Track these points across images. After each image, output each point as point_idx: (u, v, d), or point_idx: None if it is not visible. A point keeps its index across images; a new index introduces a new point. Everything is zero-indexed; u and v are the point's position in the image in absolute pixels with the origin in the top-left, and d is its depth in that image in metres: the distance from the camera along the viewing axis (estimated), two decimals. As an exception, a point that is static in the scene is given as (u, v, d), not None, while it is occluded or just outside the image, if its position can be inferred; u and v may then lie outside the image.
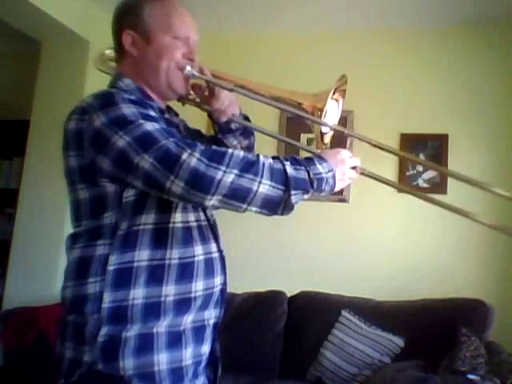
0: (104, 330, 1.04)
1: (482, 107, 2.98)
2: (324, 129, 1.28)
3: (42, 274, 3.01)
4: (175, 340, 1.09)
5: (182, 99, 1.34)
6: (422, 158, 3.00)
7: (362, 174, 1.20)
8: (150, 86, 1.22)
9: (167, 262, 1.08)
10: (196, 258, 1.13)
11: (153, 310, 1.06)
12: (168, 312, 1.08)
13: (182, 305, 1.10)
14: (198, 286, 1.12)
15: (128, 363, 1.03)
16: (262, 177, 1.00)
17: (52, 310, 2.51)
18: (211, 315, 1.18)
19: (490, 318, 2.47)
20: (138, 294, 1.05)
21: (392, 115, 3.07)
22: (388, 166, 2.96)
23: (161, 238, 1.09)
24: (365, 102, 3.02)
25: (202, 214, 1.19)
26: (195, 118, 1.46)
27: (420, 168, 3.00)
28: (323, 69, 2.94)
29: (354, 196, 3.07)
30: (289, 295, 2.86)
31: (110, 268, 1.05)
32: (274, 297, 2.83)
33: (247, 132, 1.44)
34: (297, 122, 2.91)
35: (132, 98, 1.10)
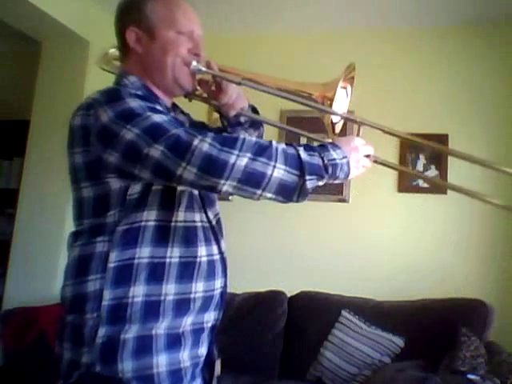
0: (102, 331, 1.03)
1: (482, 107, 2.98)
2: (335, 118, 1.27)
3: (42, 274, 3.00)
4: (174, 342, 1.08)
5: (189, 95, 1.33)
6: (422, 158, 3.00)
7: (376, 162, 1.19)
8: (156, 83, 1.21)
9: (168, 260, 1.08)
10: (199, 259, 1.12)
11: (152, 309, 1.06)
12: (167, 313, 1.07)
13: (181, 305, 1.09)
14: (198, 287, 1.12)
15: (127, 365, 1.03)
16: (276, 161, 0.98)
17: (52, 310, 2.51)
18: (210, 318, 1.17)
19: (490, 318, 2.46)
20: (138, 292, 1.05)
21: (392, 115, 3.06)
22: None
23: (162, 235, 1.08)
24: (365, 102, 3.02)
25: (203, 215, 1.18)
26: (195, 115, 1.44)
27: (420, 167, 3.00)
28: (323, 69, 2.92)
29: (354, 196, 3.07)
30: (289, 295, 2.86)
31: (111, 265, 1.05)
32: (274, 297, 2.83)
33: (256, 123, 1.43)
34: (297, 122, 2.90)
35: (139, 93, 1.10)
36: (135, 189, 1.06)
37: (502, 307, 2.61)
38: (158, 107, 1.08)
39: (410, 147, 2.99)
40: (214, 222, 1.21)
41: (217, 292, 1.17)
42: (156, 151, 0.97)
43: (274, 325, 2.76)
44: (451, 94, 3.04)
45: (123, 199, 1.06)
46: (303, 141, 3.11)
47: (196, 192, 1.16)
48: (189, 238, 1.11)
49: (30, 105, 3.25)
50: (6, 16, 2.96)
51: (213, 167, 0.96)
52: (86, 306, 1.05)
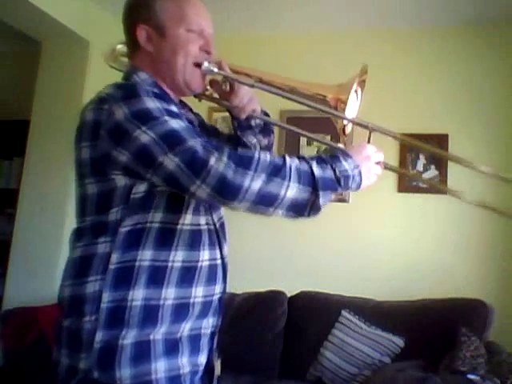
0: (100, 336, 1.01)
1: (482, 107, 2.98)
2: (346, 120, 1.26)
3: (42, 273, 3.00)
4: (172, 347, 1.06)
5: (199, 95, 1.30)
6: (422, 158, 3.00)
7: (385, 168, 1.19)
8: (166, 82, 1.19)
9: (170, 264, 1.06)
10: (200, 264, 1.10)
11: (151, 314, 1.04)
12: (165, 318, 1.05)
13: (180, 310, 1.07)
14: (198, 292, 1.10)
15: (125, 372, 1.00)
16: (289, 180, 0.98)
17: (52, 310, 2.50)
18: (209, 324, 1.15)
19: (490, 317, 2.46)
20: (137, 295, 1.03)
21: (392, 115, 3.06)
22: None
23: (167, 238, 1.06)
24: (365, 102, 3.02)
25: (209, 217, 1.15)
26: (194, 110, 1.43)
27: (420, 167, 3.00)
28: (323, 69, 2.93)
29: (354, 196, 3.07)
30: (289, 295, 2.86)
31: (112, 267, 1.03)
32: (274, 297, 2.83)
33: (267, 130, 1.40)
34: (297, 123, 2.90)
35: (155, 90, 1.07)
36: (140, 188, 1.04)
37: (502, 307, 2.61)
38: (174, 108, 1.06)
39: (410, 147, 2.99)
40: (217, 226, 1.18)
41: (216, 297, 1.15)
42: (171, 162, 0.96)
43: (274, 325, 2.76)
44: (451, 94, 3.04)
45: (127, 197, 1.04)
46: (303, 141, 3.13)
47: None
48: (193, 241, 1.09)
49: (30, 105, 3.25)
50: (6, 16, 2.96)
51: (226, 189, 0.95)
52: (84, 308, 1.03)
